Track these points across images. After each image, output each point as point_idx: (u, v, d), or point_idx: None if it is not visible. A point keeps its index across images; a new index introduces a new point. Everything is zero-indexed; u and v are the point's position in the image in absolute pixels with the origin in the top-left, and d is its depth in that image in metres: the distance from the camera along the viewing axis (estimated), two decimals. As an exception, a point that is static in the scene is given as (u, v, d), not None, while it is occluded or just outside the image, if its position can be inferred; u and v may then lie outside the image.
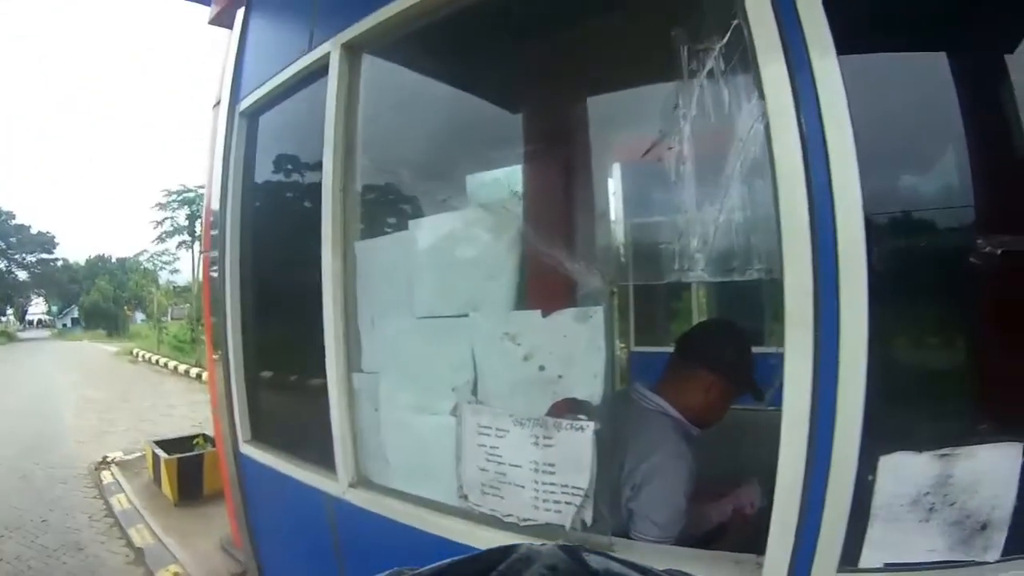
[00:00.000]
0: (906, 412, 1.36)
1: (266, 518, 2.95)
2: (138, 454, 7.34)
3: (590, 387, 1.45)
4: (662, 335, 5.15)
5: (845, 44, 1.24)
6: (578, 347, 1.46)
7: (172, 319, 33.55)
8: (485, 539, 1.67)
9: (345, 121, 2.09)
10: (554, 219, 1.66)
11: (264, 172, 2.83)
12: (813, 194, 1.23)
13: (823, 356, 1.23)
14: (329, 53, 2.14)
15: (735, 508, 1.95)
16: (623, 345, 4.91)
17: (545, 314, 1.51)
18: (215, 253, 3.01)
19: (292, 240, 2.37)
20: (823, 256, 1.22)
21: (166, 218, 35.88)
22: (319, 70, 2.21)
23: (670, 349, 2.06)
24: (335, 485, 2.14)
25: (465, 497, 1.71)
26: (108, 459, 7.48)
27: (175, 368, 18.16)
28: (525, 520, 1.59)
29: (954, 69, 1.51)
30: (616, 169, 2.03)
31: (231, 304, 2.87)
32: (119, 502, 5.98)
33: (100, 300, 51.54)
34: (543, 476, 1.53)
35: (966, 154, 1.55)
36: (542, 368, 1.51)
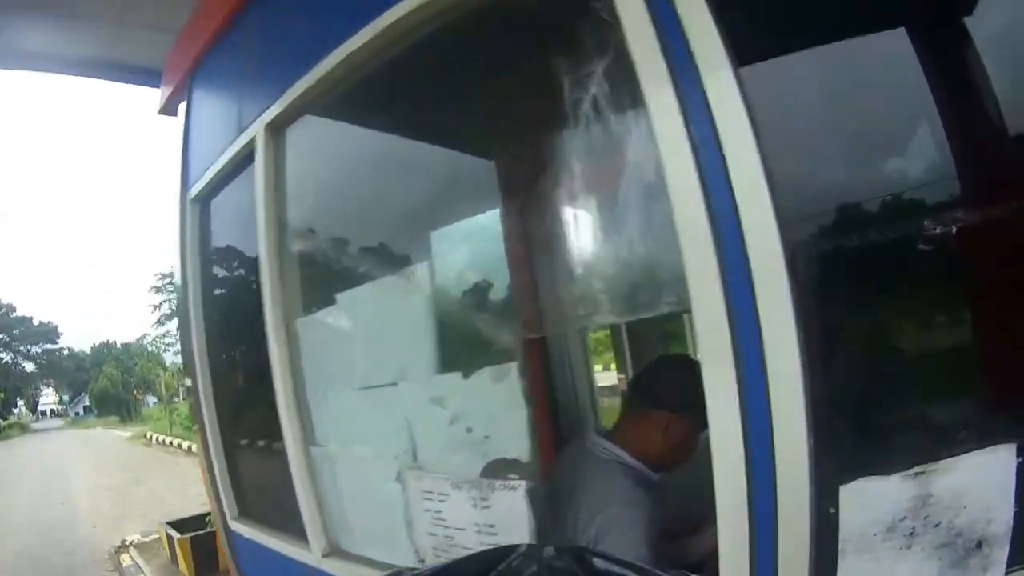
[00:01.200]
0: (864, 432, 1.20)
1: (263, 592, 2.95)
2: (155, 536, 7.36)
3: (517, 445, 1.45)
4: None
5: (741, 40, 1.13)
6: (498, 406, 1.47)
7: (183, 400, 33.67)
8: (447, 603, 1.68)
9: (274, 201, 2.11)
10: (464, 275, 1.67)
11: (217, 255, 2.87)
12: (712, 206, 1.12)
13: (749, 388, 1.11)
14: (255, 136, 2.19)
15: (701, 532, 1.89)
16: (622, 376, 4.85)
17: (466, 376, 1.52)
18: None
19: (250, 317, 2.39)
20: (732, 273, 1.11)
21: (163, 301, 36.16)
22: (249, 153, 2.25)
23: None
24: (311, 555, 2.14)
25: (423, 562, 1.71)
26: (127, 542, 7.54)
27: (189, 448, 18.20)
28: (479, 581, 1.59)
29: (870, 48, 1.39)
30: (520, 217, 2.03)
31: (202, 384, 2.90)
32: None
33: (109, 386, 51.66)
34: (486, 538, 1.52)
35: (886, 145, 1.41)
36: (469, 430, 1.53)
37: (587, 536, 1.58)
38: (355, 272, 1.83)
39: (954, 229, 1.16)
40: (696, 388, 1.66)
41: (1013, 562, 1.07)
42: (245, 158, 2.32)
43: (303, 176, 2.16)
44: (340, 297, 1.90)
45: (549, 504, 1.58)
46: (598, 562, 0.53)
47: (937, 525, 1.06)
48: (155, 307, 36.86)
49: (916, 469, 1.06)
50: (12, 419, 52.99)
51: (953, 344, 1.39)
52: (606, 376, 4.33)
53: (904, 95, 1.43)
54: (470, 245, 1.68)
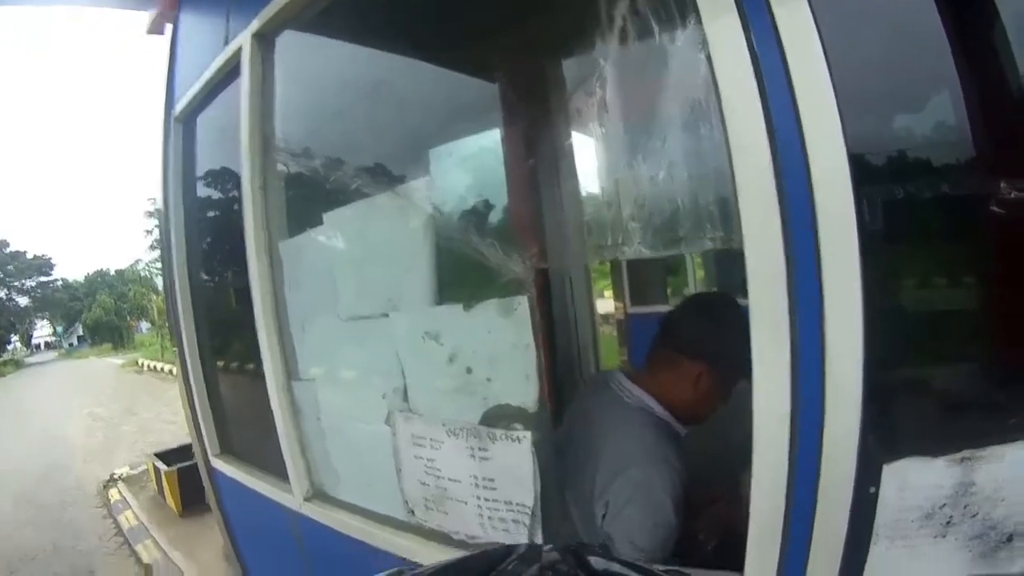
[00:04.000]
0: (916, 409, 1.10)
1: (245, 530, 2.87)
2: (143, 468, 7.31)
3: (522, 391, 1.26)
4: (663, 292, 4.90)
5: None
6: (504, 345, 1.27)
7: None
8: (436, 558, 1.52)
9: (260, 115, 1.90)
10: (472, 199, 1.46)
11: (202, 175, 2.68)
12: (776, 141, 0.97)
13: (804, 348, 0.99)
14: (241, 46, 1.97)
15: (733, 514, 1.70)
16: (619, 305, 4.69)
17: (467, 308, 1.32)
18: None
19: (234, 242, 2.20)
20: (796, 225, 0.96)
21: (156, 226, 35.76)
22: (235, 66, 2.04)
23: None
24: (292, 499, 2.01)
25: (412, 512, 1.55)
26: (115, 476, 7.51)
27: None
28: (473, 538, 1.43)
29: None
30: (540, 138, 1.81)
31: (183, 312, 2.73)
32: (127, 519, 6.03)
33: (103, 315, 51.72)
34: (484, 492, 1.36)
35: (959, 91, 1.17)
36: (469, 371, 1.33)
37: (606, 497, 1.40)
38: (345, 192, 1.61)
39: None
40: (736, 337, 1.49)
41: None
42: (231, 72, 2.12)
43: (291, 89, 1.95)
44: (328, 218, 1.69)
45: (562, 451, 1.41)
46: (598, 562, 0.49)
47: (975, 516, 1.00)
48: (148, 232, 36.48)
49: (963, 454, 0.98)
50: (7, 355, 53.11)
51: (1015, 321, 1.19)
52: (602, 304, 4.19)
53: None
54: (477, 163, 1.47)
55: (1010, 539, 1.01)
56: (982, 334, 1.23)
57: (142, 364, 24.01)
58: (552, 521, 1.32)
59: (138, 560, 5.01)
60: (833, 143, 0.94)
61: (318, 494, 1.95)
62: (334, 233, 1.63)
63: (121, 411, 12.93)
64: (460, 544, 1.46)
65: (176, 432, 8.96)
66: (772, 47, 0.98)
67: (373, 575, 1.66)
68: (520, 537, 1.32)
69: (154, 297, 36.15)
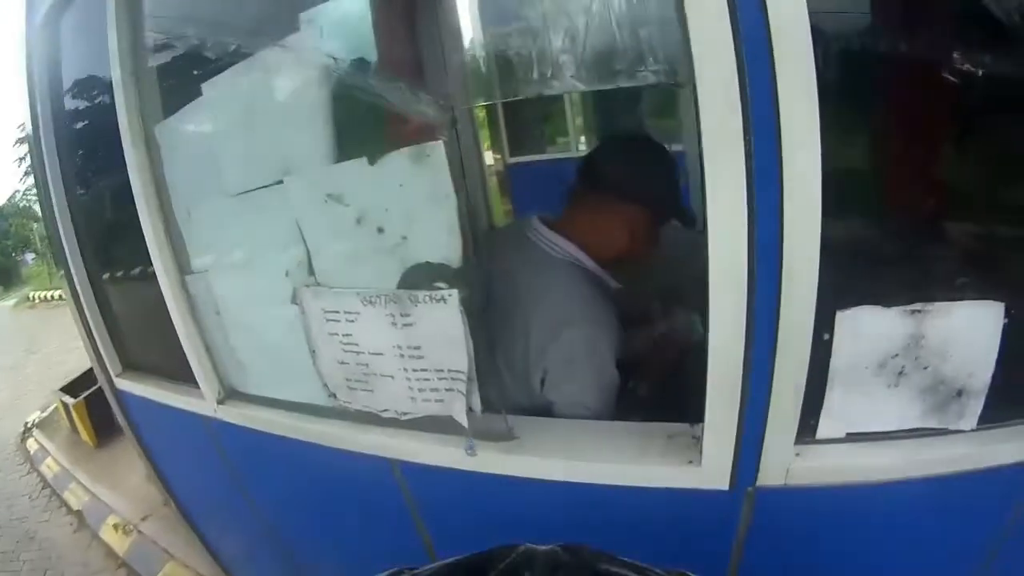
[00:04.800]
0: (870, 258, 1.11)
1: (163, 451, 2.73)
2: (53, 407, 6.90)
3: (443, 246, 1.13)
4: (540, 141, 4.85)
5: None
6: (419, 197, 1.13)
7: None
8: (366, 441, 1.44)
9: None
10: (375, 38, 1.27)
11: (70, 82, 2.34)
12: None
13: (760, 185, 0.94)
14: None
15: (668, 340, 1.67)
16: (497, 156, 4.59)
17: (372, 161, 1.16)
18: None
19: (108, 142, 1.94)
20: (750, 48, 0.89)
21: (28, 152, 32.65)
22: None
23: (553, 156, 1.74)
24: (205, 404, 1.87)
25: (333, 396, 1.44)
26: (29, 424, 7.07)
27: None
28: (404, 414, 1.34)
29: None
30: None
31: (64, 231, 2.45)
32: (48, 468, 5.71)
33: None
34: (411, 362, 1.25)
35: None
36: (380, 231, 1.18)
37: (544, 361, 1.35)
38: (222, 58, 1.38)
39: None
40: (666, 174, 1.43)
41: (997, 419, 1.09)
42: None
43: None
44: (206, 88, 1.45)
45: (488, 314, 1.31)
46: (599, 563, 0.49)
47: (925, 368, 1.05)
48: (20, 159, 33.28)
49: (913, 307, 1.02)
50: None
51: (971, 190, 1.23)
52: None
53: None
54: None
55: (959, 394, 1.07)
56: (938, 196, 1.21)
57: (33, 297, 22.38)
58: (487, 387, 1.24)
59: (68, 509, 4.80)
60: None
61: (231, 395, 1.81)
62: (214, 103, 1.41)
63: (23, 353, 12.09)
64: (390, 422, 1.37)
65: (80, 357, 8.47)
66: None
67: (303, 469, 1.57)
68: (456, 406, 1.24)
69: (34, 225, 33.58)
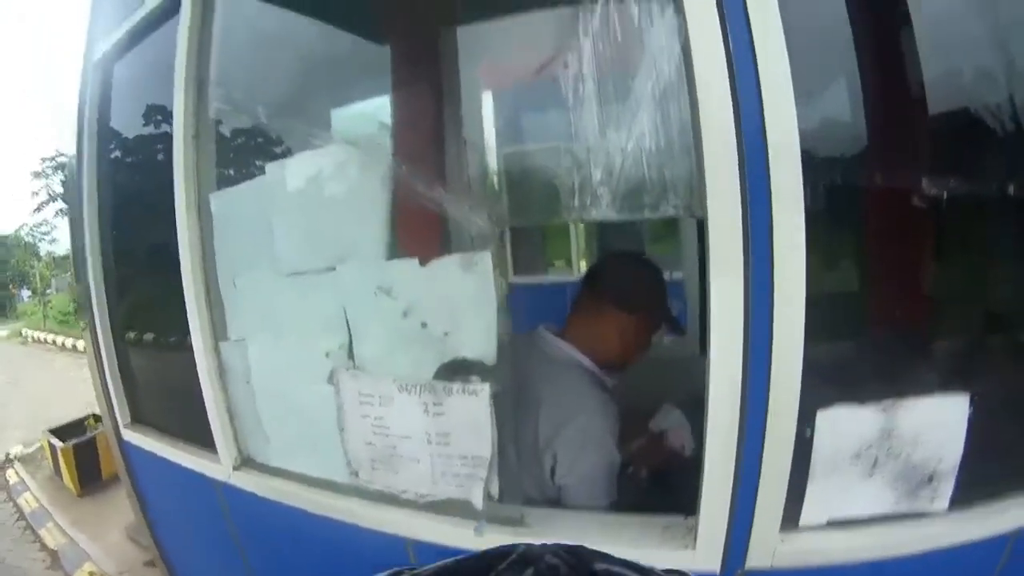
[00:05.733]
0: (846, 362, 1.27)
1: (161, 506, 2.70)
2: (38, 445, 6.83)
3: (481, 345, 1.24)
4: (543, 263, 4.99)
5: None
6: (464, 299, 1.24)
7: (56, 292, 31.62)
8: (382, 519, 1.49)
9: (197, 58, 1.75)
10: (432, 154, 1.42)
11: (122, 126, 2.47)
12: (741, 120, 1.07)
13: (755, 305, 1.09)
14: None
15: (666, 449, 1.79)
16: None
17: (423, 263, 1.28)
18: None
19: (156, 196, 2.05)
20: (754, 192, 1.07)
21: (43, 187, 32.92)
22: (171, 7, 1.86)
23: (552, 279, 1.89)
24: (220, 468, 1.90)
25: (356, 474, 1.51)
26: (10, 456, 6.99)
27: (62, 344, 17.06)
28: (424, 496, 1.40)
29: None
30: (504, 95, 1.77)
31: (92, 272, 2.52)
32: (27, 502, 5.62)
33: None
34: (438, 448, 1.33)
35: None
36: (424, 325, 1.29)
37: (553, 449, 1.46)
38: (287, 142, 1.52)
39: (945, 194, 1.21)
40: (657, 289, 1.63)
41: (967, 500, 1.20)
42: (162, 14, 1.94)
43: (229, 31, 1.80)
44: (270, 169, 1.58)
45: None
46: (599, 563, 0.49)
47: (898, 457, 1.17)
48: (35, 193, 33.54)
49: (884, 403, 1.15)
50: None
51: (938, 292, 1.45)
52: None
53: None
54: (435, 114, 1.42)
55: (931, 479, 1.18)
56: (905, 303, 1.41)
57: (26, 335, 22.28)
58: (505, 473, 1.33)
59: (43, 546, 4.70)
60: (788, 124, 1.06)
61: (248, 462, 1.85)
62: (276, 185, 1.53)
63: (8, 385, 11.96)
64: (408, 503, 1.43)
65: (68, 404, 8.41)
66: (743, 32, 1.06)
67: (315, 542, 1.61)
68: (475, 490, 1.31)
69: (36, 263, 33.61)
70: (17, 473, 6.43)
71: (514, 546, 0.51)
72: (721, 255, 1.09)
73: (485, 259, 1.21)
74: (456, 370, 1.28)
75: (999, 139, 1.31)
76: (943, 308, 1.45)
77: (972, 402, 1.15)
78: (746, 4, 1.06)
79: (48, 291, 30.05)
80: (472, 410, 1.26)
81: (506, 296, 1.25)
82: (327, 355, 1.46)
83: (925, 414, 1.15)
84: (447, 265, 1.26)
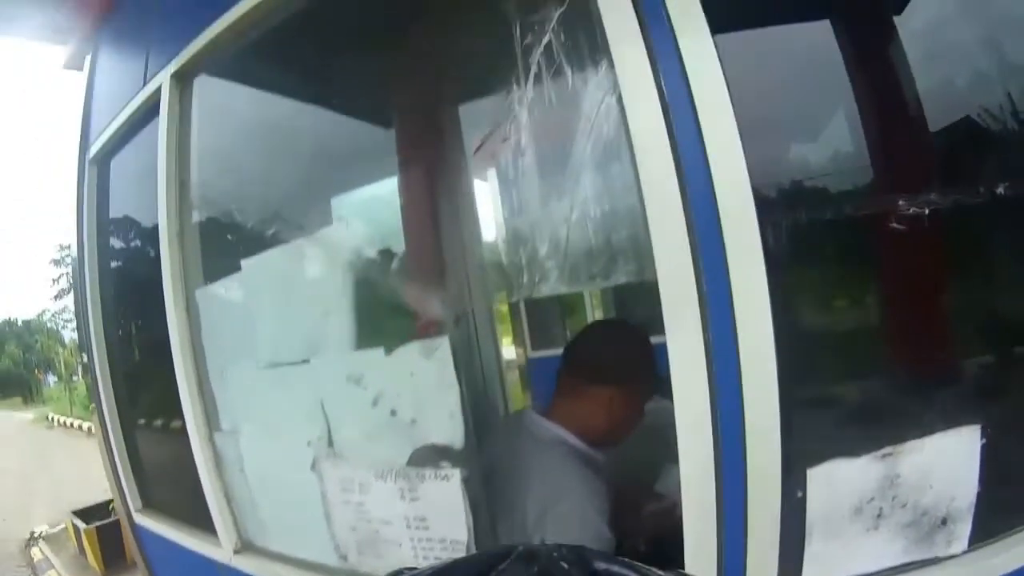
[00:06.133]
0: (833, 412, 1.18)
1: (173, 585, 2.73)
2: (62, 526, 6.93)
3: (448, 430, 1.27)
4: (563, 335, 4.97)
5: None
6: (427, 386, 1.28)
7: (82, 378, 32.12)
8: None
9: (178, 157, 1.85)
10: (389, 243, 1.47)
11: (117, 220, 2.57)
12: (682, 164, 1.04)
13: (719, 364, 1.04)
14: (160, 86, 1.92)
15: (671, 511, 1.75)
16: (520, 350, 4.73)
17: (388, 351, 1.32)
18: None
19: (150, 289, 2.13)
20: (704, 235, 1.03)
21: (62, 274, 33.68)
22: (154, 106, 1.97)
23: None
24: (222, 552, 1.93)
25: (344, 558, 1.53)
26: (36, 534, 7.09)
27: (89, 430, 17.23)
28: (409, 579, 1.42)
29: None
30: (455, 180, 1.84)
31: (99, 364, 2.60)
32: None
33: (12, 366, 48.64)
34: (417, 532, 1.35)
35: (856, 118, 1.35)
36: (393, 413, 1.33)
37: (541, 531, 1.41)
38: (262, 237, 1.59)
39: (927, 211, 1.15)
40: (639, 356, 1.57)
41: (985, 535, 1.11)
42: (148, 112, 2.05)
43: (209, 133, 1.91)
44: (245, 265, 1.66)
45: (488, 493, 1.42)
46: (599, 563, 0.50)
47: (904, 505, 1.08)
48: (54, 281, 34.38)
49: (884, 451, 1.06)
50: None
51: (921, 325, 1.37)
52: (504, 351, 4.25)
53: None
54: (394, 208, 1.48)
55: (944, 522, 1.10)
56: (891, 340, 1.35)
57: (52, 419, 22.68)
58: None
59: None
60: (737, 174, 1.03)
61: (247, 546, 1.88)
62: (252, 279, 1.61)
63: (36, 467, 12.14)
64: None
65: (91, 487, 8.51)
66: (680, 85, 1.05)
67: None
68: (455, 573, 1.33)
69: (60, 350, 34.23)
70: (42, 551, 6.52)
71: (515, 545, 0.52)
72: (676, 318, 1.05)
73: (443, 345, 1.24)
74: (428, 455, 1.31)
75: (977, 170, 1.29)
76: (933, 340, 1.36)
77: (984, 433, 1.07)
78: (681, 56, 1.05)
79: (74, 378, 30.47)
80: (445, 495, 1.28)
81: (503, 374, 1.25)
82: (308, 444, 1.50)
83: (931, 455, 1.07)
84: (408, 351, 1.29)
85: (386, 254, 1.44)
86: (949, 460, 1.08)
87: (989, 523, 1.11)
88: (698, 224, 1.04)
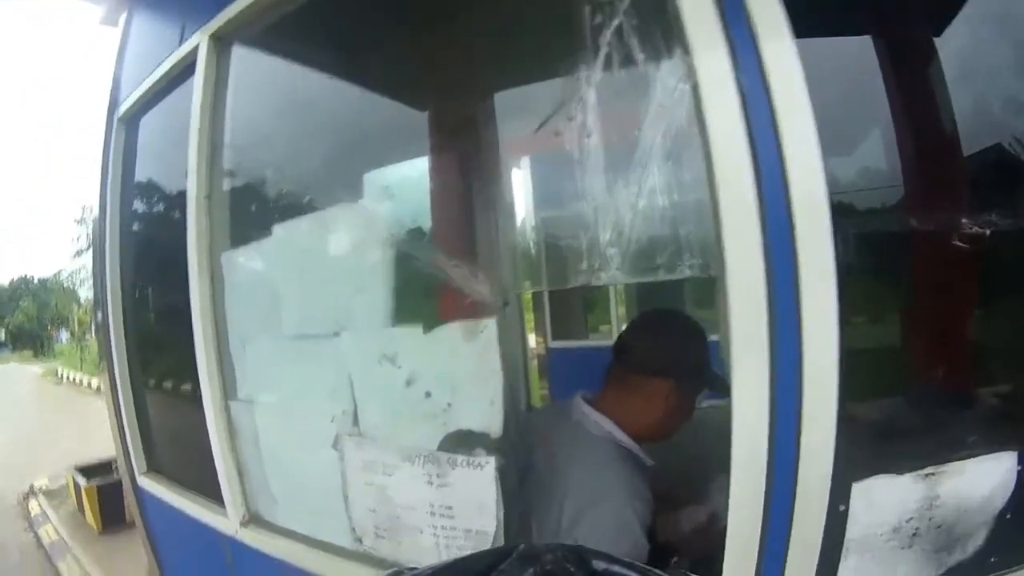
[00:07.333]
0: (883, 428, 1.17)
1: (173, 554, 2.69)
2: (63, 482, 6.94)
3: (486, 417, 1.20)
4: (583, 327, 4.94)
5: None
6: (468, 370, 1.21)
7: (95, 336, 32.74)
8: (385, 588, 1.45)
9: (211, 120, 1.79)
10: (437, 220, 1.40)
11: (143, 181, 2.52)
12: (760, 171, 0.99)
13: (781, 375, 1.00)
14: (197, 46, 1.85)
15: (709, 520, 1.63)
16: (540, 339, 4.69)
17: (427, 330, 1.26)
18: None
19: (172, 252, 2.08)
20: (777, 251, 0.98)
21: (81, 234, 34.08)
22: (189, 66, 1.91)
23: (593, 343, 1.83)
24: (227, 523, 1.89)
25: (360, 540, 1.47)
26: (34, 488, 7.11)
27: (98, 388, 17.41)
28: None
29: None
30: (512, 160, 1.76)
31: (113, 323, 2.56)
32: (47, 533, 5.78)
33: (25, 322, 49.78)
34: (441, 520, 1.29)
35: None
36: (428, 395, 1.26)
37: (579, 530, 1.34)
38: (296, 205, 1.53)
39: (989, 231, 1.13)
40: (696, 348, 1.50)
41: (1008, 564, 1.10)
42: (182, 73, 1.99)
43: (245, 99, 1.85)
44: (277, 231, 1.59)
45: (523, 479, 1.35)
46: (599, 563, 0.49)
47: (939, 527, 1.07)
48: (75, 240, 34.84)
49: (927, 470, 1.05)
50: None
51: (974, 348, 1.37)
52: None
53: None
54: (446, 187, 1.42)
55: (973, 546, 1.10)
56: (944, 360, 1.32)
57: (61, 375, 22.89)
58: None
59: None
60: (813, 177, 0.98)
61: (255, 519, 1.83)
62: (283, 246, 1.54)
63: (38, 421, 12.23)
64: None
65: (93, 444, 8.54)
66: (758, 82, 0.99)
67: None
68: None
69: (75, 308, 34.69)
70: (40, 506, 6.54)
71: (515, 545, 0.53)
72: (742, 325, 1.01)
73: (489, 327, 1.17)
74: (461, 442, 1.24)
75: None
76: (984, 365, 1.36)
77: (1021, 460, 1.07)
78: (759, 50, 1.00)
79: (87, 336, 30.84)
80: (476, 484, 1.22)
81: (527, 363, 1.19)
82: (332, 420, 1.44)
83: (971, 478, 1.06)
84: (450, 333, 1.23)
85: (423, 233, 1.37)
86: (987, 485, 1.07)
87: (1019, 551, 1.11)
88: (772, 234, 0.99)
